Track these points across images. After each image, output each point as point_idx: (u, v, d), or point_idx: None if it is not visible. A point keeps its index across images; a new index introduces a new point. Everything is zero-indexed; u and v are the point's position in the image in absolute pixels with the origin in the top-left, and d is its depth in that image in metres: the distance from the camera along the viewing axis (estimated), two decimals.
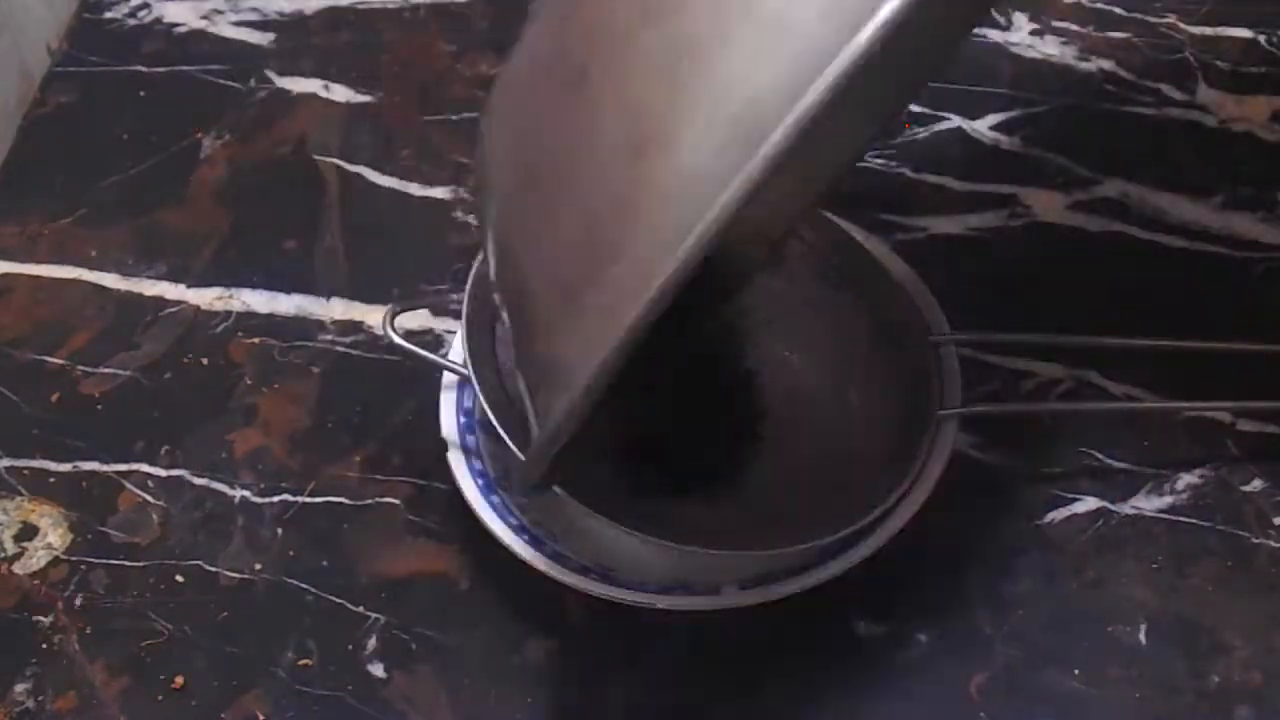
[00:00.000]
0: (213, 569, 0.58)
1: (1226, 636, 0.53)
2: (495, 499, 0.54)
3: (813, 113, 0.34)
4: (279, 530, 0.58)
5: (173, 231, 0.69)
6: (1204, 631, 0.53)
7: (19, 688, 0.55)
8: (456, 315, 0.63)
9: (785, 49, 0.35)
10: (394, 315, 0.57)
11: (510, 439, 0.51)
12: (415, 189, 0.70)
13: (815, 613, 0.53)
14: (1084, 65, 0.70)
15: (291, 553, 0.58)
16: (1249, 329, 0.59)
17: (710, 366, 0.57)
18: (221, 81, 0.75)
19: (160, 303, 0.66)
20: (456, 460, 0.55)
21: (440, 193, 0.69)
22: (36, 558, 0.58)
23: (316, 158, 0.71)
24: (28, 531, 0.59)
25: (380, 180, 0.70)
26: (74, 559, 0.58)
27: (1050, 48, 0.71)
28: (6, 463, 0.61)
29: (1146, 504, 0.56)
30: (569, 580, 0.51)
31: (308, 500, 0.59)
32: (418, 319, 0.64)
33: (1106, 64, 0.70)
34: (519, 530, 0.53)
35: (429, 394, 0.57)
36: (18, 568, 0.58)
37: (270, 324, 0.65)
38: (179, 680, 0.55)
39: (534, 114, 0.41)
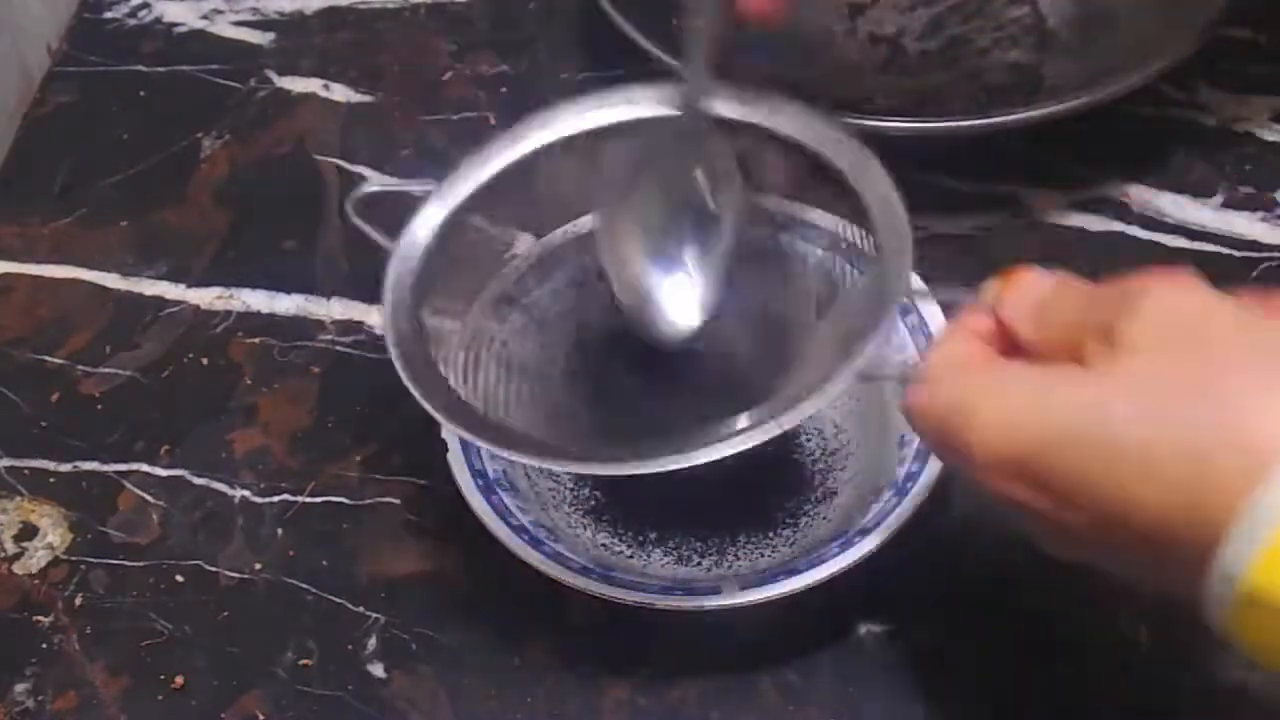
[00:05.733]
0: (213, 569, 0.58)
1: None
2: (495, 499, 0.54)
3: None
4: (279, 530, 0.58)
5: (173, 231, 0.69)
6: (1203, 634, 0.53)
7: (19, 688, 0.55)
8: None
9: None
10: (356, 199, 0.56)
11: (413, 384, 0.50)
12: (415, 189, 0.69)
13: (815, 613, 0.53)
14: None
15: (291, 553, 0.58)
16: None
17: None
18: (221, 81, 0.75)
19: (160, 303, 0.66)
20: (456, 460, 0.55)
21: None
22: (36, 558, 0.58)
23: (316, 158, 0.71)
24: (28, 531, 0.59)
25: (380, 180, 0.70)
26: (74, 559, 0.58)
27: None
28: (6, 463, 0.61)
29: None
30: (569, 580, 0.51)
31: (308, 500, 0.59)
32: None
33: None
34: (519, 530, 0.53)
35: None
36: (18, 568, 0.58)
37: (270, 324, 0.65)
38: (179, 680, 0.55)
39: None
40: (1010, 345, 0.46)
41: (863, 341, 0.48)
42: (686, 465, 0.47)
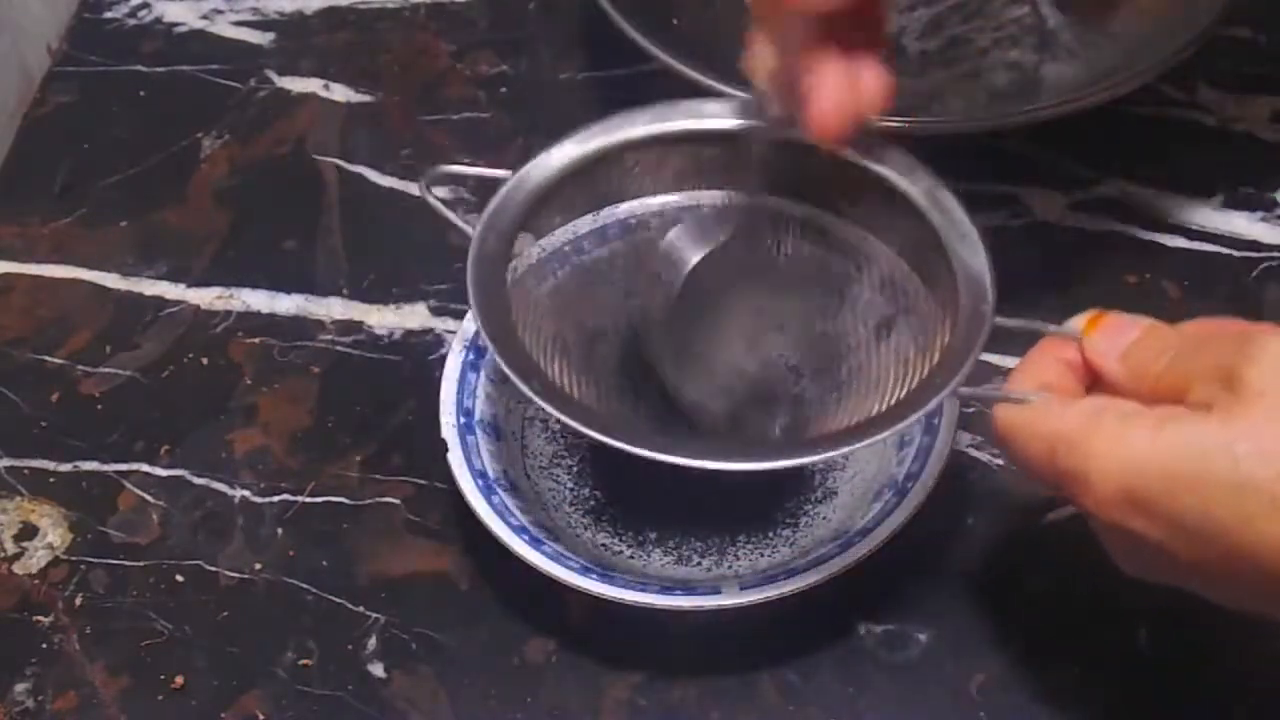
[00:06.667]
0: (213, 569, 0.58)
1: (1231, 641, 0.53)
2: (495, 499, 0.54)
3: None
4: (279, 530, 0.58)
5: (173, 231, 0.69)
6: (1203, 635, 0.53)
7: (19, 688, 0.55)
8: (457, 315, 0.63)
9: None
10: (430, 181, 0.56)
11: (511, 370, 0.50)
12: (415, 189, 0.69)
13: (815, 613, 0.53)
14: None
15: (291, 553, 0.58)
16: None
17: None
18: (221, 81, 0.75)
19: (160, 303, 0.66)
20: (456, 460, 0.55)
21: (440, 192, 0.69)
22: (36, 558, 0.58)
23: (316, 158, 0.71)
24: (28, 531, 0.59)
25: (380, 180, 0.70)
26: (74, 559, 0.58)
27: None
28: (6, 463, 0.61)
29: None
30: (569, 580, 0.51)
31: (308, 500, 0.59)
32: (418, 318, 0.64)
33: None
34: (519, 530, 0.53)
35: (429, 394, 0.57)
36: (18, 568, 0.58)
37: (270, 324, 0.65)
38: (179, 680, 0.55)
39: None
40: (1092, 380, 0.46)
41: (964, 359, 0.48)
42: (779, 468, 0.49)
